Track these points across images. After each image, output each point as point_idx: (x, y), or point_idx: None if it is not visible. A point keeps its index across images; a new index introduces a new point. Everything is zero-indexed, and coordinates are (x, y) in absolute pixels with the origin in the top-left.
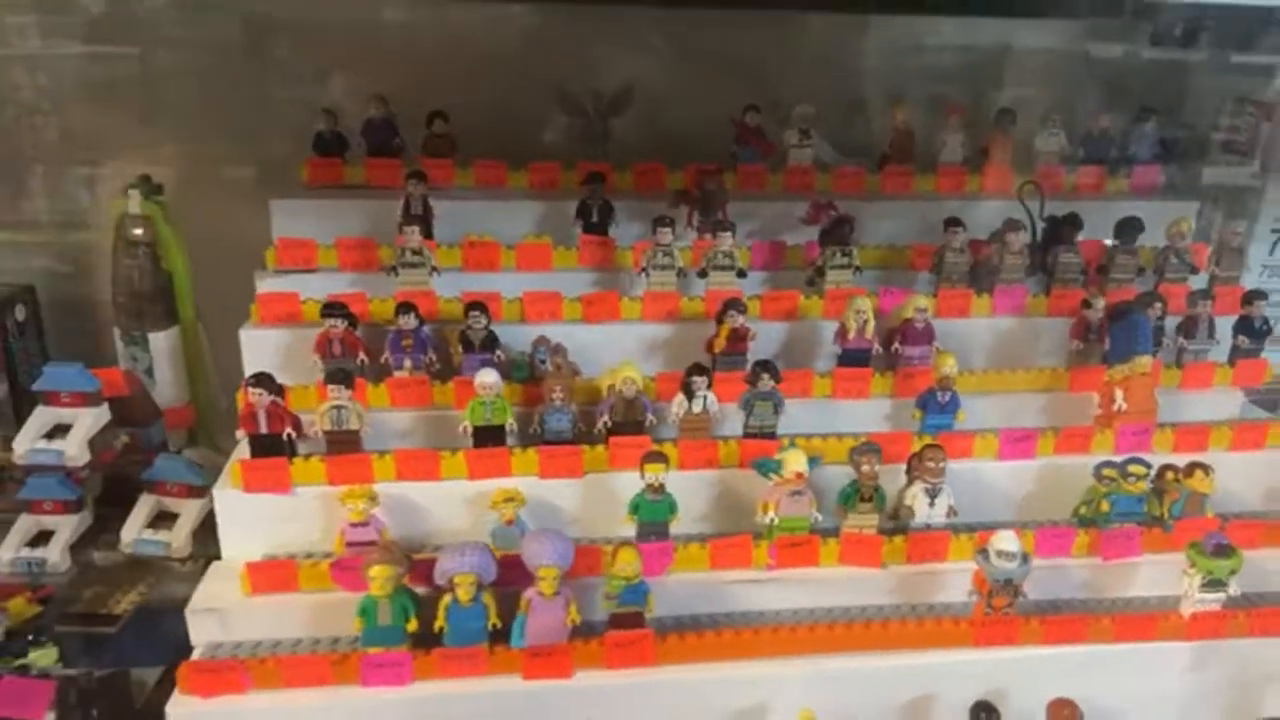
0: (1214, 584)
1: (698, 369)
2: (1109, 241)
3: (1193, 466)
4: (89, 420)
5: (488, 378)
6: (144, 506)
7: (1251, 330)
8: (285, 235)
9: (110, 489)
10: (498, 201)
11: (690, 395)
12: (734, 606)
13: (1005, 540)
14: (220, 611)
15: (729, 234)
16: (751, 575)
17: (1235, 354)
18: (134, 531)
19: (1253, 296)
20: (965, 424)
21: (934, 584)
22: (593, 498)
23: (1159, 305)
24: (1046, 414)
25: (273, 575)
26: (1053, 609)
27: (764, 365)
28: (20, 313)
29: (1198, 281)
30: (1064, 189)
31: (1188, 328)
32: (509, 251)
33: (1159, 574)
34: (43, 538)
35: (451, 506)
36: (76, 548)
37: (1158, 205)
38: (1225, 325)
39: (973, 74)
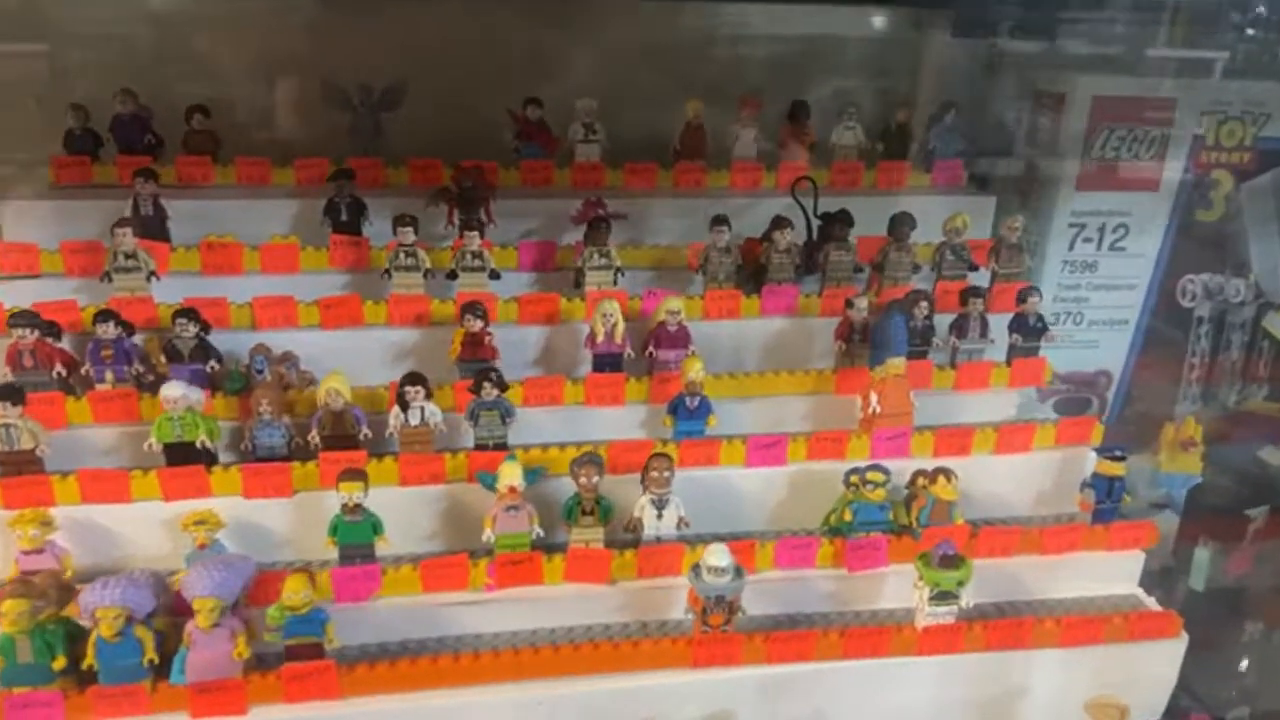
0: (944, 596)
1: (411, 379)
2: None
3: (937, 472)
4: None
5: (172, 391)
6: None
7: (1026, 328)
8: (19, 239)
9: None
10: (262, 200)
11: (405, 406)
12: (450, 631)
13: (715, 555)
14: None
15: (476, 233)
16: (469, 597)
17: (1012, 353)
18: None
19: (1026, 294)
20: (727, 430)
21: (667, 600)
22: (305, 518)
23: (925, 304)
24: (812, 419)
25: None
26: (790, 624)
27: (486, 373)
28: None
29: (980, 279)
30: (862, 185)
31: (960, 327)
32: (252, 253)
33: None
34: None
35: (146, 530)
36: None
37: (956, 200)
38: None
39: (768, 65)
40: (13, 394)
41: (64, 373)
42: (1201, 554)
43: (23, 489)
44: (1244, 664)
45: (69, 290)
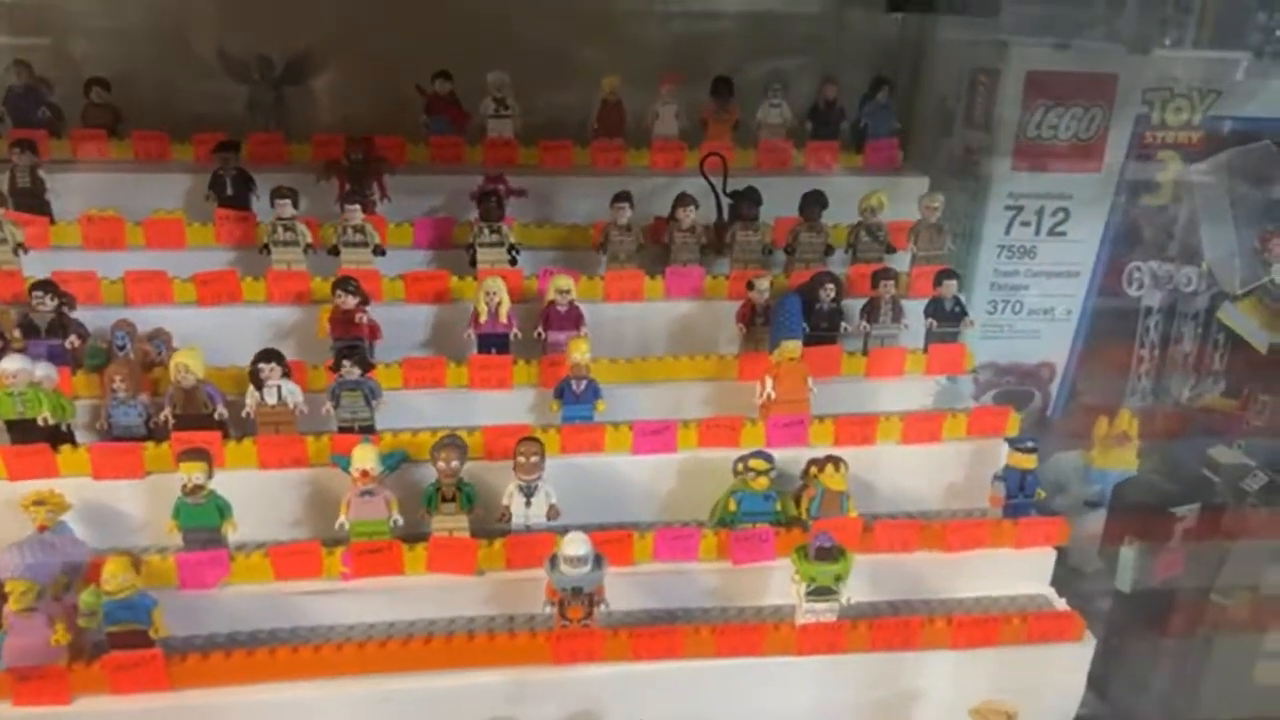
0: (821, 591)
1: (265, 356)
2: None
3: (825, 460)
4: None
5: (10, 365)
6: None
7: (943, 313)
8: None
9: None
10: (159, 175)
11: (260, 385)
12: (304, 621)
13: (572, 544)
14: None
15: (358, 207)
16: (324, 586)
17: (929, 338)
18: None
19: (942, 277)
20: (625, 417)
21: (537, 593)
22: (158, 501)
23: (831, 286)
24: (714, 405)
25: None
26: (669, 619)
27: (347, 351)
28: None
29: (903, 263)
30: (791, 165)
31: (870, 311)
32: (135, 228)
33: None
34: None
35: None
36: None
37: (888, 181)
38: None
39: (692, 40)
40: None
41: None
42: (1127, 553)
43: None
44: (1163, 671)
45: None
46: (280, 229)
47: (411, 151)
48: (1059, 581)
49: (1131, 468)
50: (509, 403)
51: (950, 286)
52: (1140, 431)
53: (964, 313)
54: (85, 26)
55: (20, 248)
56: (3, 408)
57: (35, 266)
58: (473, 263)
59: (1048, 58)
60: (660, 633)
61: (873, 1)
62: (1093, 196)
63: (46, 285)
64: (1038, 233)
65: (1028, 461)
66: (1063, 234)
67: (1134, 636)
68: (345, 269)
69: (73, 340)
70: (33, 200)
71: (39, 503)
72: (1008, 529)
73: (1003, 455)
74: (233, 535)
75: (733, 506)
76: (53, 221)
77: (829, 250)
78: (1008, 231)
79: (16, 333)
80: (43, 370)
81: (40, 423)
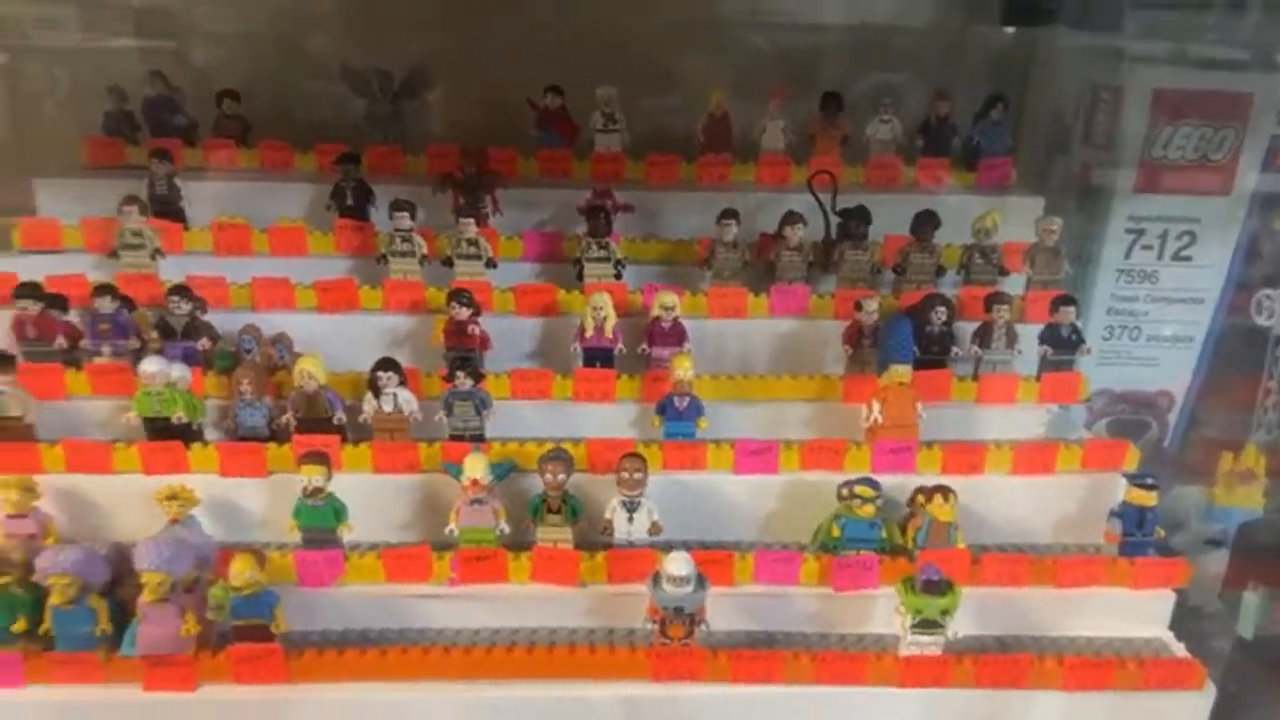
0: (927, 624)
1: (384, 364)
2: None
3: (934, 490)
4: None
5: (150, 366)
6: None
7: (1059, 340)
8: (53, 215)
9: None
10: (284, 184)
11: (378, 393)
12: (412, 623)
13: (675, 564)
14: None
15: (471, 220)
16: (432, 590)
17: (1043, 366)
18: None
19: (1060, 303)
20: (724, 435)
21: (638, 608)
22: (280, 498)
23: (942, 309)
24: (815, 426)
25: None
26: (768, 642)
27: (461, 363)
28: None
29: (1017, 285)
30: (900, 182)
31: (983, 335)
32: (261, 235)
33: None
34: None
35: (127, 502)
36: None
37: (1001, 201)
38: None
39: (802, 55)
40: (1, 361)
41: (65, 344)
42: (1250, 598)
43: (9, 455)
44: None
45: (87, 265)
46: (398, 240)
47: (521, 165)
48: (1174, 620)
49: (1257, 507)
50: (612, 416)
51: (1068, 313)
52: (1267, 468)
53: (1080, 340)
54: (214, 40)
55: (158, 253)
56: (141, 406)
57: (169, 270)
58: (580, 277)
59: (1176, 75)
60: (760, 657)
61: (986, 15)
62: (1221, 220)
63: (182, 290)
64: (1160, 257)
65: (1148, 498)
66: (1187, 258)
67: (1256, 685)
68: (458, 281)
69: (204, 343)
70: (169, 207)
71: (172, 497)
72: (1124, 568)
73: (1119, 490)
74: (347, 536)
75: (836, 532)
76: (186, 228)
77: (940, 271)
78: (1128, 255)
79: (154, 334)
80: (178, 371)
81: (175, 421)
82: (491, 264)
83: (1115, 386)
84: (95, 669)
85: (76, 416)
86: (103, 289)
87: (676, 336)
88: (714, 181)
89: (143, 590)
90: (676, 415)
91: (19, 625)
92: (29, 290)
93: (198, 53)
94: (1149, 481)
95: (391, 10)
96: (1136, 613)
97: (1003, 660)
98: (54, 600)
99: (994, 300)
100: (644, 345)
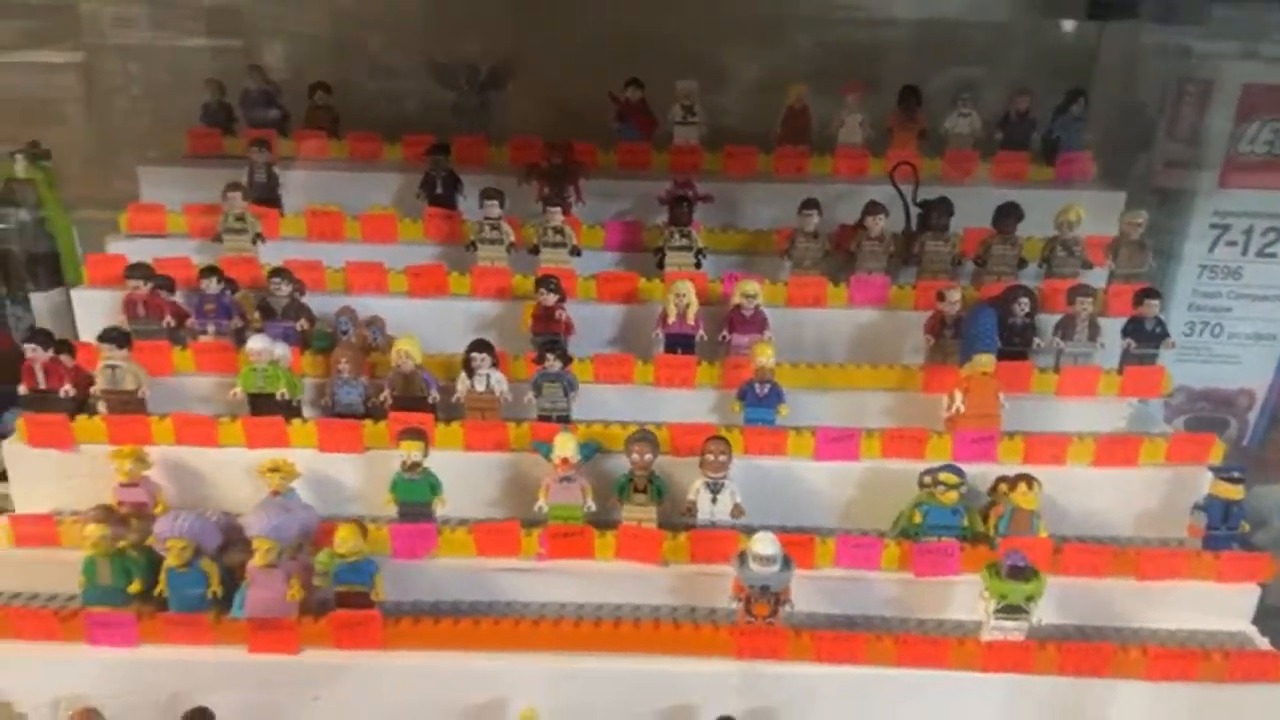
0: (1011, 610)
1: (478, 346)
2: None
3: (1018, 478)
4: None
5: (256, 344)
6: None
7: (1143, 333)
8: (155, 201)
9: None
10: (372, 173)
11: (471, 373)
12: (502, 596)
13: (762, 543)
14: None
15: (558, 209)
16: (520, 564)
17: (1125, 359)
18: None
19: (1144, 296)
20: (803, 422)
21: (719, 587)
22: (375, 473)
23: (1025, 300)
24: (894, 415)
25: (34, 529)
26: (848, 625)
27: (551, 345)
28: None
29: (1099, 279)
30: (977, 176)
31: (1065, 327)
32: (353, 222)
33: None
34: None
35: (230, 474)
36: None
37: (1081, 195)
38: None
39: (880, 49)
40: (119, 337)
41: (173, 323)
42: None
43: (123, 426)
44: None
45: (190, 249)
46: (487, 228)
47: (600, 156)
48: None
49: None
50: (691, 401)
51: (1153, 306)
52: None
53: (1165, 334)
54: (302, 37)
55: (258, 237)
56: (246, 382)
57: (266, 255)
58: (660, 265)
59: (1266, 70)
60: (843, 638)
61: (1067, 10)
62: None
63: (284, 272)
64: (1245, 253)
65: (1234, 492)
66: (1272, 255)
67: None
68: (544, 268)
69: (303, 323)
70: (267, 194)
71: (274, 470)
72: (1208, 561)
73: (1203, 484)
74: (440, 510)
75: (917, 518)
76: (282, 214)
77: (1021, 263)
78: (1211, 250)
79: (256, 314)
80: (280, 350)
81: (278, 397)
82: (576, 252)
83: (1194, 384)
84: (205, 630)
85: (181, 392)
86: (209, 270)
87: (758, 324)
88: (791, 173)
89: (251, 556)
90: (757, 401)
91: (134, 586)
92: (141, 271)
93: (288, 48)
94: (1235, 475)
95: (476, 6)
96: (1220, 606)
97: (1086, 648)
98: (170, 562)
99: (1078, 292)
100: (724, 332)
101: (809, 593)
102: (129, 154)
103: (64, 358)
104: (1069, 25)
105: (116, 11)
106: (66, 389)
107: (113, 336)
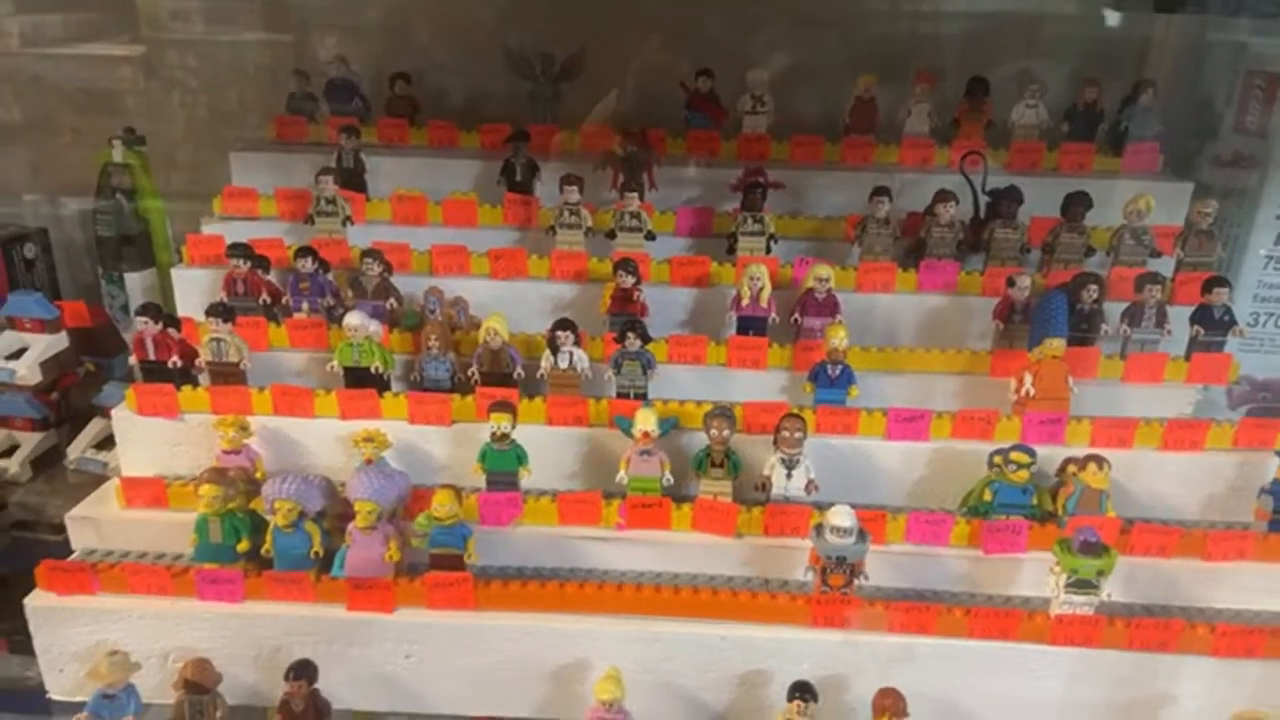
0: (1082, 584)
1: (562, 324)
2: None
3: (1088, 459)
4: (43, 345)
5: (353, 320)
6: (92, 428)
7: (1210, 321)
8: (245, 186)
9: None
10: (451, 160)
11: (555, 350)
12: (582, 563)
13: (839, 515)
14: (96, 521)
15: (636, 196)
16: (600, 533)
17: (1193, 346)
18: (79, 450)
19: (1213, 284)
20: (872, 404)
21: (791, 560)
22: (462, 445)
23: (1094, 287)
24: (963, 399)
25: (144, 492)
26: (918, 599)
27: (631, 325)
28: (30, 250)
29: (1166, 268)
30: (1043, 166)
31: (1133, 314)
32: (435, 207)
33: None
34: (12, 450)
35: (324, 443)
36: (39, 462)
37: (1148, 186)
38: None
39: (948, 40)
40: (224, 312)
41: (269, 301)
42: None
43: (226, 396)
44: None
45: (280, 231)
46: (566, 213)
47: (670, 145)
48: None
49: None
50: (762, 382)
51: (1221, 294)
52: None
53: (1233, 321)
54: (383, 25)
55: (348, 220)
56: (342, 356)
57: (353, 237)
58: (731, 250)
59: None
60: (916, 608)
61: (1136, 2)
62: None
63: (374, 254)
64: None
65: None
66: None
67: None
68: (620, 251)
69: (392, 303)
70: (354, 179)
71: (367, 440)
72: (1275, 543)
73: (1270, 470)
74: (525, 480)
75: (988, 496)
76: (368, 199)
77: (1089, 252)
78: (1277, 241)
79: (349, 293)
80: (374, 326)
81: (372, 371)
82: (651, 236)
83: (1257, 374)
84: (307, 588)
85: (275, 366)
86: (304, 251)
87: (830, 307)
88: (858, 162)
89: (353, 519)
90: (829, 382)
91: (242, 545)
92: (241, 250)
93: (369, 39)
94: None
95: None
96: None
97: (1154, 623)
98: (277, 522)
99: (1147, 280)
100: (796, 315)
101: (880, 567)
102: (205, 144)
103: (171, 331)
104: (1136, 17)
105: (181, 6)
106: (174, 360)
107: (219, 311)
